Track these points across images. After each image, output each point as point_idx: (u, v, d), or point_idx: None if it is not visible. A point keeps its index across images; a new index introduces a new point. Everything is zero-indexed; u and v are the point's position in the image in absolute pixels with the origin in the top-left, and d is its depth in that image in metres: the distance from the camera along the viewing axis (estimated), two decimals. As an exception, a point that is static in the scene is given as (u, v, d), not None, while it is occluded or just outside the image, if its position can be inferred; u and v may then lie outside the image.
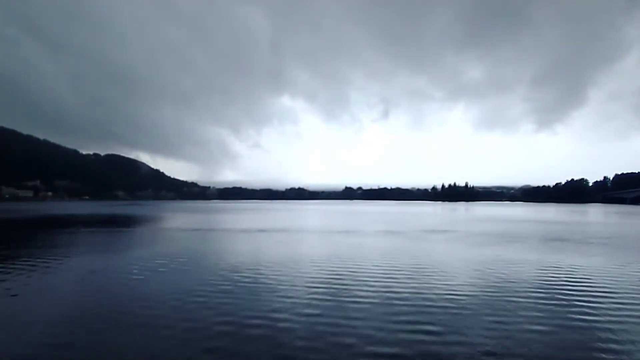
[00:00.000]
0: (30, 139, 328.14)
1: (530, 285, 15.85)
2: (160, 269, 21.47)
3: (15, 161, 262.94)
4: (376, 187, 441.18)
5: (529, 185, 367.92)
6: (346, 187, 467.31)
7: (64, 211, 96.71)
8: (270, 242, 35.17)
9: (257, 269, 20.10)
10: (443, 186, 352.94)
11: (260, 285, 16.29)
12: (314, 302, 13.40)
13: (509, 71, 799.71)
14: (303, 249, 30.38)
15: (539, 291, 14.79)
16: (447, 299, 13.82)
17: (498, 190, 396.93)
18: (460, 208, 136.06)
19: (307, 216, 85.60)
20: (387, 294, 14.50)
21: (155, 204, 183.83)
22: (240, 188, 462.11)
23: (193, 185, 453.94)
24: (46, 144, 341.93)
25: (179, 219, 74.02)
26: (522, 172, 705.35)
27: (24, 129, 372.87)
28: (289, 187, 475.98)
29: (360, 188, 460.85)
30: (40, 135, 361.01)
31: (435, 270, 19.78)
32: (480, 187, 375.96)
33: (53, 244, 32.81)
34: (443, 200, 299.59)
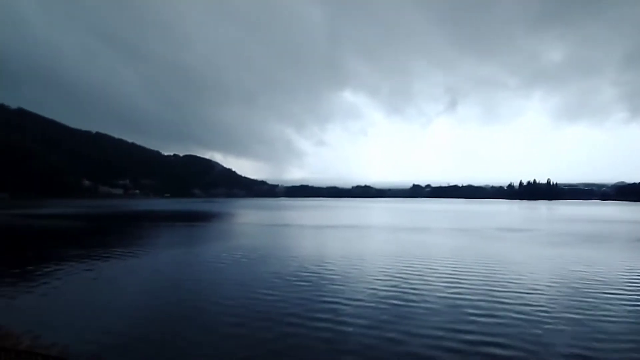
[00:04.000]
0: (121, 142, 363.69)
1: (618, 291, 14.70)
2: (234, 262, 21.38)
3: (108, 162, 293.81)
4: (446, 185, 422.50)
5: (623, 182, 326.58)
6: (414, 185, 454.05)
7: (148, 207, 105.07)
8: (339, 238, 35.47)
9: (325, 265, 20.26)
10: (521, 183, 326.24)
11: (327, 282, 16.50)
12: (379, 301, 13.43)
13: (596, 51, 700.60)
14: (370, 246, 30.01)
15: (628, 297, 13.67)
16: (522, 302, 13.36)
17: (586, 188, 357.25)
18: (542, 207, 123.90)
19: (374, 214, 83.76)
20: (456, 295, 14.33)
21: (228, 202, 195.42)
22: (307, 186, 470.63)
23: (262, 183, 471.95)
24: (134, 146, 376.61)
25: (250, 215, 77.04)
26: (614, 168, 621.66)
27: (116, 133, 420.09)
28: (354, 184, 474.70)
29: (428, 185, 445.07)
30: (129, 138, 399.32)
31: (509, 270, 18.98)
32: (564, 185, 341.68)
33: (139, 236, 36.92)
34: (521, 198, 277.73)
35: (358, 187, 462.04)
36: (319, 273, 18.46)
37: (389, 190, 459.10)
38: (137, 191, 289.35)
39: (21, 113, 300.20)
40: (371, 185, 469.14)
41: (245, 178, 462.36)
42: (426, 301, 13.49)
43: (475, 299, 13.63)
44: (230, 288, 15.82)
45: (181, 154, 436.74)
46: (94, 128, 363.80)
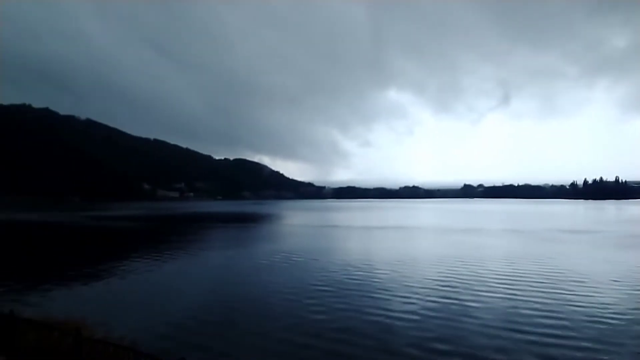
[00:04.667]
0: (176, 148, 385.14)
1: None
2: (285, 262, 21.57)
3: (165, 167, 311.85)
4: (500, 184, 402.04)
5: None
6: (465, 185, 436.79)
7: (202, 209, 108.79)
8: (388, 239, 34.87)
9: (375, 267, 19.80)
10: (585, 182, 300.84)
11: (376, 283, 16.23)
12: (432, 303, 13.14)
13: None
14: (421, 247, 29.27)
15: None
16: (585, 309, 12.29)
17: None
18: (610, 207, 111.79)
19: (424, 215, 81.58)
20: (511, 299, 13.66)
21: (276, 203, 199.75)
22: (353, 187, 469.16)
23: (309, 185, 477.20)
24: (188, 151, 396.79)
25: (299, 216, 78.25)
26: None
27: (172, 139, 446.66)
28: (402, 185, 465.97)
29: (481, 185, 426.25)
30: (183, 144, 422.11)
31: (571, 274, 17.71)
32: (635, 183, 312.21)
33: (195, 237, 38.29)
34: (586, 198, 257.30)
35: (406, 187, 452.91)
36: (369, 274, 17.98)
37: (438, 190, 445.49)
38: (192, 194, 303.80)
39: (89, 123, 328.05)
40: (419, 186, 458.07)
41: (292, 180, 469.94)
42: (480, 305, 12.64)
43: (532, 304, 12.64)
44: (283, 286, 15.84)
45: (231, 158, 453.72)
46: (152, 135, 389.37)
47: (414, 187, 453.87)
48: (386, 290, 14.84)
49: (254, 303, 13.43)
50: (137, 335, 9.59)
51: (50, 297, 14.25)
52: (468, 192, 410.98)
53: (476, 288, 14.89)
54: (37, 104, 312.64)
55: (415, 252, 25.47)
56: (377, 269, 19.13)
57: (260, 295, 14.46)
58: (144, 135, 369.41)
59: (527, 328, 10.30)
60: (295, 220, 63.67)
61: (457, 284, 15.63)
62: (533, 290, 14.41)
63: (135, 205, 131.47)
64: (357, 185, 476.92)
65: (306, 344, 9.49)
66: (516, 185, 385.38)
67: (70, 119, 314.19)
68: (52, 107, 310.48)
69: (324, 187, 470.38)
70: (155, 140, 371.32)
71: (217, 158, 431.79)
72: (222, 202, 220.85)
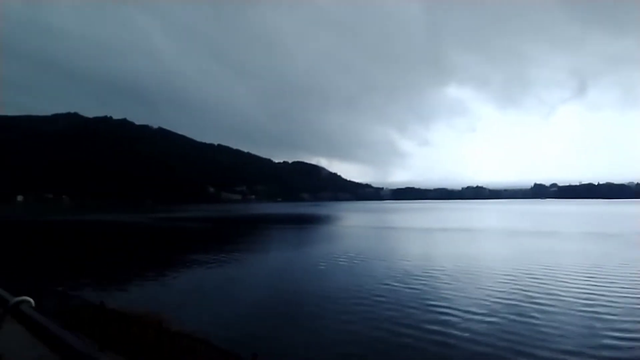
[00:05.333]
0: (237, 152, 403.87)
1: None
2: (343, 263, 21.58)
3: (228, 171, 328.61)
4: (576, 183, 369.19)
5: None
6: (535, 184, 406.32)
7: (262, 211, 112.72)
8: (450, 242, 33.70)
9: (436, 270, 19.03)
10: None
11: (437, 287, 15.61)
12: (494, 312, 12.14)
13: None
14: (486, 250, 27.93)
15: None
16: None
17: None
18: None
19: (489, 216, 77.58)
20: (590, 311, 12.06)
21: (334, 205, 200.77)
22: (412, 188, 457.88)
23: (367, 186, 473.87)
24: (249, 155, 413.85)
25: (356, 218, 78.37)
26: None
27: (234, 144, 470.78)
28: (465, 185, 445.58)
29: (554, 185, 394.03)
30: (245, 148, 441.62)
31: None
32: None
33: (257, 237, 40.46)
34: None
35: (469, 188, 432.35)
36: (429, 277, 17.35)
37: (505, 191, 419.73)
38: (253, 196, 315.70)
39: (161, 132, 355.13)
40: (484, 186, 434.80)
41: (349, 182, 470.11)
42: (550, 317, 11.48)
43: (616, 320, 11.02)
44: (341, 287, 15.86)
45: (290, 161, 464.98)
46: (216, 140, 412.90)
47: (477, 187, 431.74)
48: (445, 299, 14.00)
49: (312, 303, 13.55)
50: (208, 328, 10.12)
51: (130, 291, 15.60)
52: (539, 192, 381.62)
53: (544, 299, 13.53)
54: (116, 115, 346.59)
55: (479, 256, 24.11)
56: (438, 274, 18.36)
57: (318, 296, 14.52)
58: (208, 141, 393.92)
59: (602, 353, 9.01)
60: (353, 221, 63.47)
61: (524, 293, 14.43)
62: (617, 306, 12.63)
63: (201, 207, 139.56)
64: (416, 186, 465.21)
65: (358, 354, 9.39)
66: (595, 184, 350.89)
67: (145, 128, 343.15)
68: (129, 118, 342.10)
69: (381, 188, 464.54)
70: (219, 146, 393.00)
71: (276, 161, 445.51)
72: (282, 204, 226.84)
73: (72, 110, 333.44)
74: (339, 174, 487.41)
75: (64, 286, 12.10)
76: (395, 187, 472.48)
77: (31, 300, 1.27)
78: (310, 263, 21.98)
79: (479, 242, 32.67)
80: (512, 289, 15.22)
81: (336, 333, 10.46)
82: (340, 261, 22.36)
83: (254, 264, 22.81)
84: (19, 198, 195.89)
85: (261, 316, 12.12)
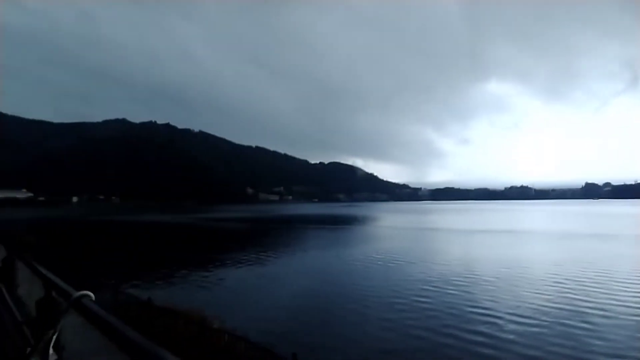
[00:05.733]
0: (275, 154, 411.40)
1: None
2: (380, 264, 21.36)
3: (266, 172, 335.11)
4: (632, 182, 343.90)
5: None
6: (587, 184, 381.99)
7: (299, 212, 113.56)
8: (493, 244, 32.48)
9: (479, 273, 18.52)
10: None
11: (481, 292, 15.14)
12: (542, 319, 11.55)
13: None
14: (532, 253, 26.45)
15: None
16: None
17: None
18: None
19: (536, 218, 73.95)
20: None
21: (371, 205, 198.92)
22: (452, 188, 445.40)
23: (404, 186, 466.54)
24: (286, 156, 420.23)
25: (394, 218, 76.88)
26: None
27: (271, 145, 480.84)
28: (508, 185, 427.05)
29: (607, 184, 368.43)
30: (282, 150, 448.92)
31: None
32: None
33: (293, 237, 40.79)
34: None
35: (513, 188, 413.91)
36: (471, 282, 16.64)
37: (553, 190, 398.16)
38: (290, 197, 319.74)
39: (202, 135, 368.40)
40: (529, 186, 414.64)
41: (386, 182, 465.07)
42: (604, 327, 10.60)
43: None
44: (379, 289, 15.63)
45: (326, 162, 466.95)
46: (253, 142, 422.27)
47: (522, 187, 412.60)
48: (488, 304, 13.30)
49: (350, 305, 13.43)
50: (248, 326, 10.23)
51: (174, 288, 16.21)
52: (591, 192, 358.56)
53: (598, 308, 12.56)
54: (160, 120, 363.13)
55: (525, 259, 22.92)
56: (481, 278, 17.61)
57: (355, 298, 14.39)
58: (247, 143, 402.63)
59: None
60: (390, 222, 62.51)
61: (577, 300, 13.50)
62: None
63: (240, 208, 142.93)
64: (455, 186, 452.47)
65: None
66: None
67: (186, 132, 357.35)
68: (172, 122, 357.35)
69: (419, 189, 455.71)
70: (257, 148, 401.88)
71: (312, 162, 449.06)
72: (318, 205, 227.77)
73: (121, 117, 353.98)
74: (375, 174, 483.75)
75: (115, 281, 12.68)
76: (433, 188, 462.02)
77: (91, 294, 1.35)
78: (348, 264, 21.88)
79: (526, 245, 31.09)
80: (567, 295, 14.28)
81: (374, 336, 10.31)
82: (378, 263, 22.07)
83: (292, 263, 23.03)
84: (74, 199, 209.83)
85: (299, 316, 12.18)
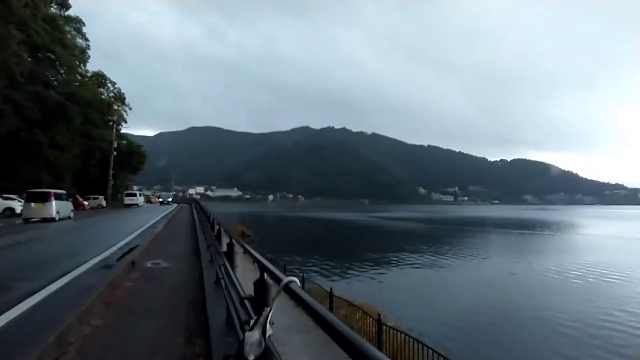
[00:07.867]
0: (449, 153, 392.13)
1: None
2: (576, 282, 18.08)
3: (439, 172, 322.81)
4: None
5: None
6: None
7: (477, 213, 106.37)
8: None
9: None
10: None
11: None
12: None
13: None
14: None
15: None
16: None
17: None
18: None
19: None
20: None
21: (570, 209, 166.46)
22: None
23: (617, 187, 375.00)
24: (460, 155, 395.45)
25: (604, 226, 61.84)
26: None
27: (444, 144, 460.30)
28: None
29: None
30: (456, 147, 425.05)
31: None
32: None
33: (470, 241, 38.65)
34: None
35: None
36: None
37: None
38: (465, 197, 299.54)
39: (374, 136, 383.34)
40: None
41: (591, 181, 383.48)
42: None
43: None
44: (569, 310, 13.07)
45: (508, 159, 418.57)
46: (425, 142, 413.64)
47: None
48: None
49: (532, 322, 11.74)
50: (419, 328, 10.05)
51: (350, 281, 17.30)
52: None
53: None
54: (336, 125, 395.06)
55: None
56: None
57: (540, 316, 12.34)
58: (418, 142, 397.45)
59: None
60: (599, 230, 51.12)
61: None
62: None
63: (413, 208, 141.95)
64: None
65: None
66: None
67: (360, 135, 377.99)
68: (348, 127, 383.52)
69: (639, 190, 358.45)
70: (429, 147, 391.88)
71: (491, 160, 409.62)
72: (499, 206, 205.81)
73: (304, 125, 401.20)
74: (574, 172, 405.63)
75: (301, 271, 14.45)
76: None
77: (297, 280, 1.58)
78: (534, 276, 19.20)
79: None
80: None
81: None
82: (574, 280, 18.38)
83: (469, 269, 21.61)
84: (270, 197, 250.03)
85: (473, 326, 11.38)
